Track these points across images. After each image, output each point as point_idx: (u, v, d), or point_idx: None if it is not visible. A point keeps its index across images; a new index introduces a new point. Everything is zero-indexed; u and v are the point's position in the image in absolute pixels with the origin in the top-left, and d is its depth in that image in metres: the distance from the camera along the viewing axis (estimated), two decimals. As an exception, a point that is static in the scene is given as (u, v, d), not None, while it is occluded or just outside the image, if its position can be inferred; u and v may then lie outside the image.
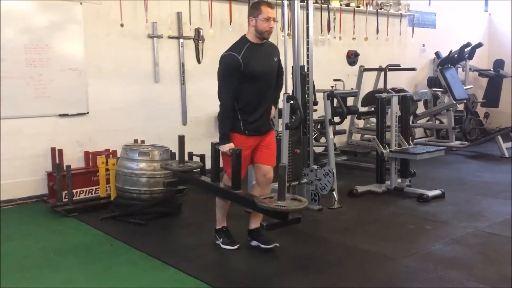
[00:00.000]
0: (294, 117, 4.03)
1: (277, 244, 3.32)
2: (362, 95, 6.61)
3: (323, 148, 5.70)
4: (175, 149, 4.63)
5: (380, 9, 7.47)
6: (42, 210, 4.41)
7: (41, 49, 4.61)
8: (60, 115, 4.79)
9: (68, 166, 4.37)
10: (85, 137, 4.93)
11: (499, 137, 6.88)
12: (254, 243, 3.39)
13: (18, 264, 3.19)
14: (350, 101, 6.11)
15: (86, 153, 4.87)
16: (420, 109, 7.87)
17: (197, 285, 2.86)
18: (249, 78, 3.18)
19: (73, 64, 4.80)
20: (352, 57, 7.15)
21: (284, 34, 4.35)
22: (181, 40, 5.49)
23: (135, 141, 5.05)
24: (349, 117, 6.18)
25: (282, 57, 3.56)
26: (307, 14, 4.33)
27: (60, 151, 4.65)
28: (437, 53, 8.29)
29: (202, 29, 5.61)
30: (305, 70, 4.27)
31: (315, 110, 4.83)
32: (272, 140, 3.47)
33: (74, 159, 4.78)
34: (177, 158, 3.67)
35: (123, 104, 5.16)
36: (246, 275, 3.07)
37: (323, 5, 6.69)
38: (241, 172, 3.14)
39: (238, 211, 3.77)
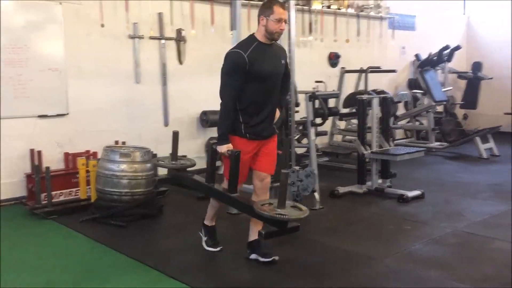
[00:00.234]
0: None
1: (276, 258, 3.16)
2: (343, 96, 6.66)
3: (305, 149, 5.72)
4: (156, 150, 4.63)
5: (361, 11, 7.55)
6: (21, 212, 4.34)
7: (19, 49, 4.54)
8: (40, 116, 4.72)
9: (48, 168, 4.31)
10: (65, 138, 4.87)
11: (478, 138, 7.00)
12: (253, 256, 3.22)
13: (-4, 268, 3.13)
14: (331, 102, 6.14)
15: (66, 155, 4.81)
16: (401, 110, 7.96)
17: (178, 286, 2.84)
18: (253, 78, 3.06)
19: (52, 64, 4.74)
20: (334, 59, 7.22)
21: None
22: (162, 41, 5.47)
23: (116, 142, 5.00)
24: (330, 118, 6.22)
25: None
26: (289, 15, 4.34)
27: (39, 152, 4.59)
28: (417, 55, 8.40)
29: (183, 29, 5.59)
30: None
31: (297, 112, 4.85)
32: (274, 146, 3.34)
33: (53, 161, 4.72)
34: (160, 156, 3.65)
35: (104, 105, 5.11)
36: (228, 277, 3.06)
37: (304, 7, 6.73)
38: (238, 175, 3.04)
39: (221, 213, 3.76)
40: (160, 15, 5.41)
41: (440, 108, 7.95)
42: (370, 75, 6.90)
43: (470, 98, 8.54)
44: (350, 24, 7.38)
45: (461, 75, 8.87)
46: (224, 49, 3.28)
